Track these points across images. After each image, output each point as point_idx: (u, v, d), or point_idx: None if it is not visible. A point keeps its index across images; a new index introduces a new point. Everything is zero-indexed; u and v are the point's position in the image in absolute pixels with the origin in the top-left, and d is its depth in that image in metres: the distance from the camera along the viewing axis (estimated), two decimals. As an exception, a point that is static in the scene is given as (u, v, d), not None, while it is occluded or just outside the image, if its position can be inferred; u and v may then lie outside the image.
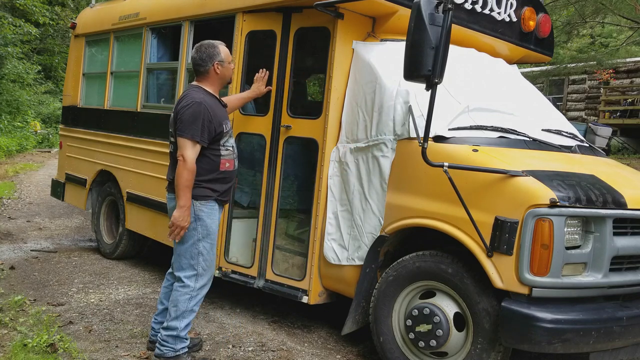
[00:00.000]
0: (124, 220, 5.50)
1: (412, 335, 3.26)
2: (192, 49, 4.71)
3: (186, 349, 3.37)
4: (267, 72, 4.01)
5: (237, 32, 4.22)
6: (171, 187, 3.32)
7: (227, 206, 4.02)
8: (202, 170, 3.25)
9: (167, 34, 5.36)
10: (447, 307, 3.19)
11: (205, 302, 4.61)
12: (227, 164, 3.36)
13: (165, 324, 3.32)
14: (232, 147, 3.42)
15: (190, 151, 3.17)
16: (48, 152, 17.17)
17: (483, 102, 3.67)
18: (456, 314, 3.18)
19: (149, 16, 5.31)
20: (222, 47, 3.37)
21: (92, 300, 4.50)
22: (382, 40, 3.87)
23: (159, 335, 3.34)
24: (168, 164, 4.81)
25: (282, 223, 4.18)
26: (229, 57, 3.41)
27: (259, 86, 4.00)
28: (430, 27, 2.84)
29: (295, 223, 4.22)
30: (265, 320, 4.29)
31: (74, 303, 4.42)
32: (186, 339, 3.36)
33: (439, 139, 3.30)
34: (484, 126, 3.46)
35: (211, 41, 3.39)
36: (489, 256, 2.96)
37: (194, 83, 3.41)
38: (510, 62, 4.61)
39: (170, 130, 3.36)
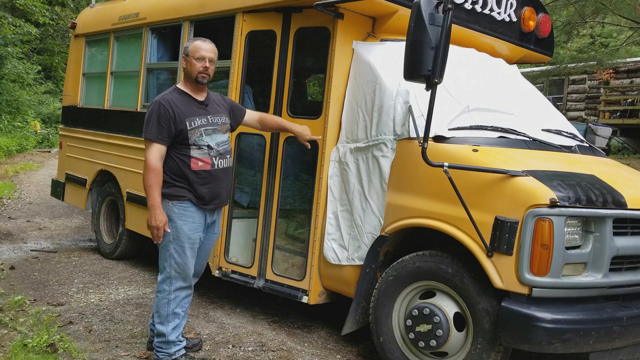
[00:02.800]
0: (124, 220, 5.50)
1: (412, 335, 3.26)
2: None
3: (183, 351, 3.34)
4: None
5: (237, 32, 4.22)
6: None
7: (226, 206, 4.00)
8: (171, 169, 3.22)
9: (167, 34, 5.36)
10: (447, 307, 3.19)
11: (205, 302, 4.62)
12: (201, 163, 3.23)
13: (155, 331, 3.31)
14: (210, 145, 3.25)
15: (149, 150, 3.16)
16: (48, 152, 17.17)
17: (483, 102, 3.67)
18: (456, 314, 3.18)
19: (149, 16, 5.31)
20: (196, 42, 3.27)
21: (92, 300, 4.50)
22: (382, 40, 3.87)
23: (154, 341, 3.32)
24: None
25: (282, 223, 4.18)
26: (196, 52, 3.24)
27: (306, 133, 3.74)
28: (430, 27, 2.84)
29: (295, 223, 4.22)
30: (265, 320, 4.29)
31: (74, 303, 4.42)
32: (180, 341, 3.33)
33: (439, 139, 3.30)
34: (484, 126, 3.46)
35: (196, 37, 3.38)
36: (489, 256, 2.96)
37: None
38: (510, 62, 4.61)
39: None
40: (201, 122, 3.26)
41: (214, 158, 3.27)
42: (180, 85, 3.34)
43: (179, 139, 3.20)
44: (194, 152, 3.22)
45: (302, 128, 3.74)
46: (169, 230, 3.19)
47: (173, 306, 3.26)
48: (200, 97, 3.34)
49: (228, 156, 3.38)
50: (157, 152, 3.17)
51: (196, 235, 3.28)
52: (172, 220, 3.21)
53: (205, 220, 3.33)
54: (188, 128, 3.20)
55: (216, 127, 3.32)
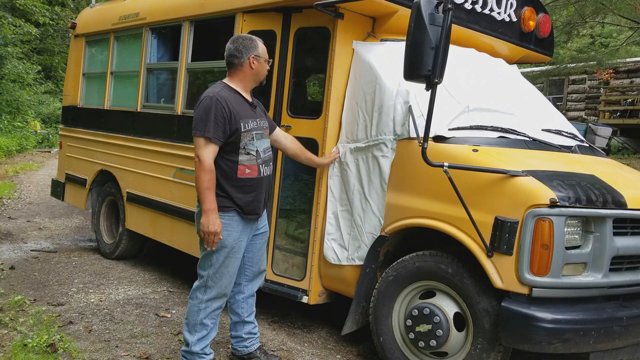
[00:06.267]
0: (124, 220, 5.50)
1: (412, 335, 3.26)
2: (192, 49, 4.80)
3: None
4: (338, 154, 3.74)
5: (237, 32, 4.21)
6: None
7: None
8: (218, 176, 3.02)
9: (167, 34, 5.36)
10: (447, 307, 3.19)
11: (205, 302, 4.61)
12: (248, 170, 3.07)
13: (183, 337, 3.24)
14: (258, 151, 3.11)
15: (204, 150, 2.92)
16: (48, 152, 17.17)
17: (483, 102, 3.67)
18: (456, 314, 3.18)
19: (149, 16, 5.31)
20: (260, 43, 3.14)
21: (92, 300, 4.50)
22: (382, 40, 3.87)
23: (180, 351, 3.24)
24: (167, 163, 4.87)
25: (282, 223, 4.18)
26: (265, 54, 3.15)
27: (329, 159, 3.70)
28: (430, 27, 2.84)
29: (295, 223, 4.22)
30: (265, 320, 4.29)
31: (74, 303, 4.42)
32: (205, 354, 3.19)
33: (439, 139, 3.30)
34: (484, 126, 3.47)
35: (249, 35, 3.19)
36: (489, 256, 2.95)
37: (224, 79, 3.18)
38: (510, 62, 4.61)
39: None
40: (253, 124, 3.10)
41: (260, 165, 3.13)
42: (230, 83, 3.12)
43: (229, 141, 3.01)
44: (242, 158, 3.05)
45: (328, 161, 3.69)
46: (222, 238, 3.02)
47: (202, 316, 3.13)
48: (249, 98, 3.20)
49: (271, 163, 3.25)
50: (212, 152, 2.95)
51: (240, 244, 3.14)
52: None
53: (249, 229, 3.20)
54: (242, 130, 3.02)
55: (263, 131, 3.18)
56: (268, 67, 3.23)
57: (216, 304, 3.18)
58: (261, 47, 3.15)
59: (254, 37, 3.17)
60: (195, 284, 3.18)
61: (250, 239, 3.28)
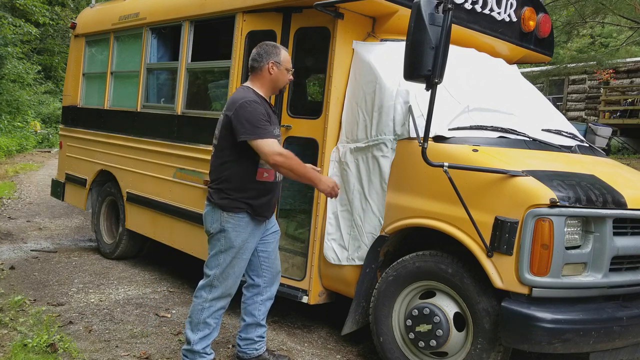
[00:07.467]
0: (124, 220, 5.50)
1: (412, 335, 3.26)
2: (192, 49, 4.80)
3: None
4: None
5: (237, 32, 4.22)
6: (208, 194, 3.17)
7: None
8: (235, 176, 3.06)
9: (167, 34, 5.36)
10: (447, 307, 3.19)
11: (205, 302, 4.61)
12: (266, 173, 3.11)
13: (184, 336, 3.24)
14: None
15: (269, 147, 2.92)
16: (48, 152, 17.17)
17: (483, 102, 3.67)
18: (456, 314, 3.18)
19: (149, 16, 5.32)
20: (284, 51, 3.18)
21: (92, 300, 4.50)
22: (382, 40, 3.87)
23: (181, 350, 3.24)
24: (167, 163, 4.86)
25: (282, 223, 4.18)
26: (288, 63, 3.18)
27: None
28: (430, 27, 2.84)
29: (295, 223, 4.22)
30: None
31: (74, 303, 4.42)
32: (206, 353, 3.20)
33: (439, 139, 3.30)
34: (484, 126, 3.46)
35: (275, 43, 3.24)
36: (489, 256, 2.96)
37: (245, 83, 3.22)
38: (510, 62, 4.61)
39: (215, 132, 3.16)
40: (277, 131, 3.16)
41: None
42: (255, 88, 3.14)
43: None
44: (263, 161, 3.06)
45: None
46: (230, 238, 3.07)
47: (206, 315, 3.14)
48: (272, 104, 3.26)
49: None
50: (275, 144, 2.96)
51: (247, 246, 3.16)
52: (226, 231, 3.07)
53: (258, 231, 3.20)
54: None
55: (279, 138, 3.20)
56: (290, 77, 3.24)
57: (220, 304, 3.19)
58: (283, 55, 3.17)
59: (278, 45, 3.22)
60: (201, 282, 3.19)
61: (263, 240, 3.31)
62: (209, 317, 3.16)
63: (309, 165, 3.13)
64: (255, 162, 3.08)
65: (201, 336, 3.16)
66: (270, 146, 2.95)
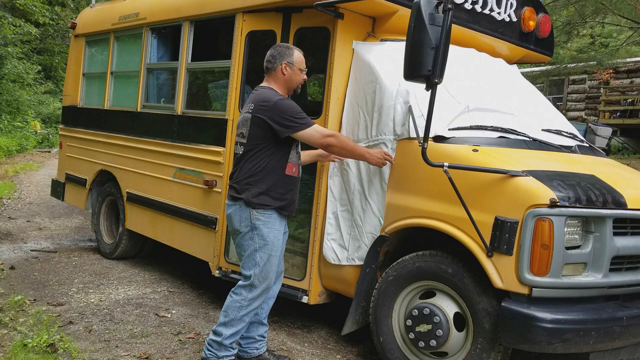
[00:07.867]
0: (124, 220, 5.50)
1: (412, 335, 3.26)
2: (192, 49, 4.80)
3: (232, 358, 3.27)
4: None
5: (237, 32, 4.22)
6: (231, 193, 3.22)
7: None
8: (266, 172, 3.12)
9: (167, 34, 5.36)
10: (447, 307, 3.19)
11: (206, 301, 4.62)
12: (294, 168, 3.22)
13: (214, 327, 3.26)
14: (299, 152, 3.30)
15: (316, 131, 3.09)
16: (48, 152, 17.18)
17: (483, 102, 3.67)
18: (456, 314, 3.18)
19: (149, 16, 5.32)
20: (297, 52, 3.26)
21: (92, 300, 4.50)
22: (382, 40, 3.87)
23: (208, 338, 3.27)
24: (167, 163, 4.86)
25: (282, 223, 4.17)
26: (301, 64, 3.27)
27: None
28: (430, 27, 2.84)
29: (295, 223, 4.22)
30: (265, 320, 4.29)
31: (74, 303, 4.42)
32: (233, 348, 3.26)
33: (439, 139, 3.30)
34: (484, 126, 3.46)
35: (289, 44, 3.33)
36: (489, 256, 2.95)
37: (262, 84, 3.29)
38: (510, 62, 4.61)
39: (241, 131, 3.22)
40: None
41: (299, 166, 3.31)
42: (276, 89, 3.24)
43: (288, 140, 3.15)
44: (292, 156, 3.19)
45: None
46: (264, 235, 3.14)
47: (243, 312, 3.20)
48: None
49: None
50: (319, 127, 3.15)
51: (279, 242, 3.24)
52: (258, 228, 3.13)
53: (283, 227, 3.29)
54: None
55: None
56: (304, 77, 3.32)
57: (257, 302, 3.26)
58: (296, 56, 3.25)
59: (292, 46, 3.31)
60: (241, 282, 3.24)
61: None
62: (246, 315, 3.22)
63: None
64: (286, 157, 3.18)
65: (233, 332, 3.21)
66: (320, 131, 3.13)
